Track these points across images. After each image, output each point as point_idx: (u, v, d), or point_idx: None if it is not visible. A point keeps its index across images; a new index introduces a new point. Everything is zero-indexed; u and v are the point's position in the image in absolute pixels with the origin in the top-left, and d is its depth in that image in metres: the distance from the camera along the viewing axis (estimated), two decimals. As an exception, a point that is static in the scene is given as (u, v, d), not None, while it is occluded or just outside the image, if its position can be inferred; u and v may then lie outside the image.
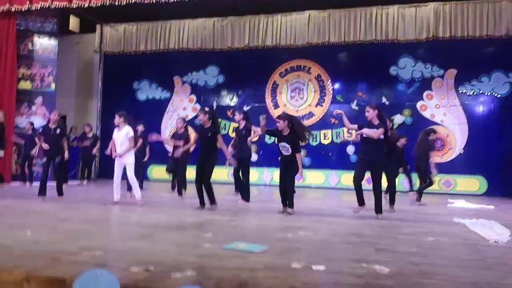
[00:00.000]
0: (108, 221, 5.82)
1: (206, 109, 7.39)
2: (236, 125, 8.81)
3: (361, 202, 6.48)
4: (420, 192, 8.87)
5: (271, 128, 6.93)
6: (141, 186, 10.43)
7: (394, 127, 12.06)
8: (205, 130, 6.90)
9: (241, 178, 8.03)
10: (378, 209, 6.40)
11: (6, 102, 11.37)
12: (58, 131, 7.76)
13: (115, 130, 7.50)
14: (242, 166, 7.95)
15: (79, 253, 3.58)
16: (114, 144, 7.45)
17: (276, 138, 6.86)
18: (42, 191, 7.65)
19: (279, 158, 6.71)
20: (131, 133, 7.42)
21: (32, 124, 10.78)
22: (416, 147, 8.98)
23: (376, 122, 6.42)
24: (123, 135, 7.35)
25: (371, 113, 6.45)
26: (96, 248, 3.75)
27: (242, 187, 8.05)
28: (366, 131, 6.34)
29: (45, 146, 7.70)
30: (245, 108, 13.50)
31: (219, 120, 12.20)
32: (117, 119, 7.39)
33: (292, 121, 6.59)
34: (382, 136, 6.31)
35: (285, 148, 6.49)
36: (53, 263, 3.24)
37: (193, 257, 3.58)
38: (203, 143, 6.92)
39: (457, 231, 5.42)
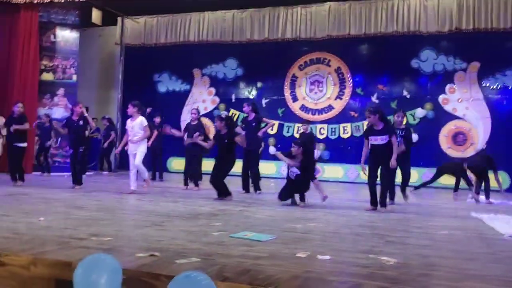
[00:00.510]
0: (122, 209, 5.89)
1: (223, 116, 7.42)
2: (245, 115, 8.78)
3: (374, 204, 6.43)
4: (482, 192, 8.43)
5: (286, 152, 6.89)
6: (161, 178, 10.58)
7: (415, 121, 11.95)
8: (221, 137, 7.05)
9: (250, 170, 8.07)
10: (383, 202, 6.40)
11: (29, 93, 11.61)
12: (81, 123, 7.94)
13: (128, 120, 7.61)
14: (251, 158, 8.00)
15: (88, 239, 3.64)
16: (127, 136, 7.56)
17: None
18: (76, 180, 7.89)
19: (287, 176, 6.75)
20: (145, 122, 7.53)
21: (48, 116, 11.00)
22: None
23: (380, 125, 6.33)
24: (137, 125, 7.43)
25: (372, 118, 6.37)
26: (106, 235, 3.81)
27: (253, 178, 8.09)
28: (395, 150, 6.26)
29: (63, 131, 7.98)
30: (264, 101, 13.54)
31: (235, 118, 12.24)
32: (131, 109, 7.49)
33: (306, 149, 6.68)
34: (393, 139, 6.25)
35: (294, 173, 6.51)
36: (61, 247, 3.30)
37: (200, 244, 3.60)
38: (220, 148, 7.10)
39: (473, 225, 5.32)
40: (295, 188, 6.58)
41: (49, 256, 3.04)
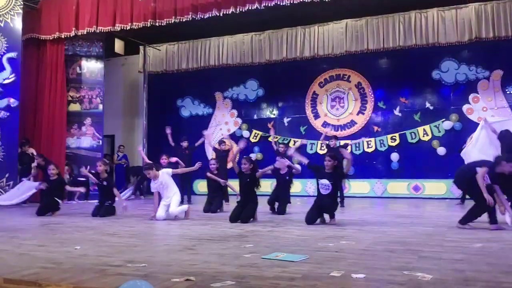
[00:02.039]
0: (154, 234, 5.98)
1: (252, 159, 7.45)
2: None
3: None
4: None
5: (318, 165, 6.94)
6: (189, 201, 10.71)
7: (441, 133, 11.80)
8: (245, 176, 7.12)
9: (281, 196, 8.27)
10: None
11: (58, 124, 11.99)
12: (105, 183, 8.10)
13: (152, 183, 7.57)
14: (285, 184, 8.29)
15: (123, 266, 3.72)
16: (157, 199, 7.61)
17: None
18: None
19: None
20: (170, 170, 7.55)
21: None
22: None
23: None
24: (165, 181, 7.45)
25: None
26: (140, 261, 3.88)
27: (282, 202, 8.25)
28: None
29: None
30: (286, 120, 13.65)
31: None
32: (151, 173, 7.37)
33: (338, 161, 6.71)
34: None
35: (326, 186, 6.54)
36: (98, 275, 3.39)
37: (233, 267, 3.64)
38: (243, 186, 7.19)
39: (507, 237, 5.21)
40: (324, 208, 6.56)
41: (88, 284, 3.13)
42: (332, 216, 6.54)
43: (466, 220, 6.03)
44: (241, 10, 10.03)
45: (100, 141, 12.46)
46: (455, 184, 6.80)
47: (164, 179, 7.47)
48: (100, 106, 12.63)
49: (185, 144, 10.48)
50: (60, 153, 11.37)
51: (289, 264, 3.71)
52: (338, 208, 6.76)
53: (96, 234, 5.68)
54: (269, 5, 9.80)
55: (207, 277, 3.29)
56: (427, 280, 3.15)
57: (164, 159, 8.49)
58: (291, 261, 3.81)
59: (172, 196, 7.45)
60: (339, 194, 8.02)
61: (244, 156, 7.45)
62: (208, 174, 8.69)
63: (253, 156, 12.77)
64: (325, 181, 6.54)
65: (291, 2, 9.66)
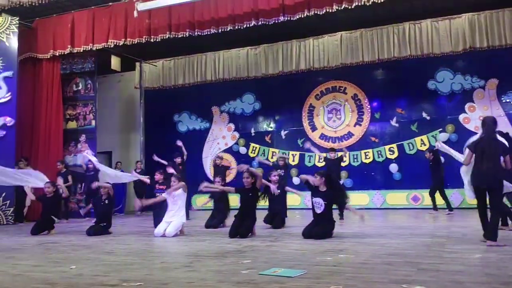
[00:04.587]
0: (151, 252, 5.92)
1: (253, 173, 7.33)
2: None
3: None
4: None
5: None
6: (187, 217, 10.61)
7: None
8: (246, 191, 7.08)
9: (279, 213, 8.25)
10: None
11: (54, 142, 12.00)
12: (106, 202, 8.06)
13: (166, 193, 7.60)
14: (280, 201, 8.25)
15: (119, 285, 3.67)
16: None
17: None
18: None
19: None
20: (179, 191, 7.51)
21: (63, 162, 11.44)
22: None
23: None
24: (178, 195, 7.46)
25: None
26: (136, 279, 3.84)
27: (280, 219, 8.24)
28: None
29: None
30: (283, 133, 13.64)
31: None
32: (178, 184, 7.48)
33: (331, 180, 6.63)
34: None
35: (319, 205, 6.46)
36: (94, 295, 3.35)
37: (230, 284, 3.60)
38: (243, 201, 7.16)
39: (506, 247, 5.17)
40: (316, 237, 6.28)
41: (83, 305, 3.08)
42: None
43: (494, 233, 5.39)
44: (239, 27, 10.11)
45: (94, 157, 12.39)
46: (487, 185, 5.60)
47: (179, 194, 7.48)
48: (93, 122, 12.61)
49: (178, 160, 10.45)
50: (56, 171, 11.27)
51: (287, 280, 3.67)
52: (333, 228, 6.52)
53: (93, 253, 5.62)
54: (268, 23, 9.90)
55: (203, 295, 3.25)
56: (426, 293, 3.11)
57: (158, 175, 8.43)
58: (288, 277, 3.77)
59: (175, 217, 7.37)
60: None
61: (245, 170, 7.32)
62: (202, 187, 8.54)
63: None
64: (318, 200, 6.49)
65: (288, 18, 9.75)
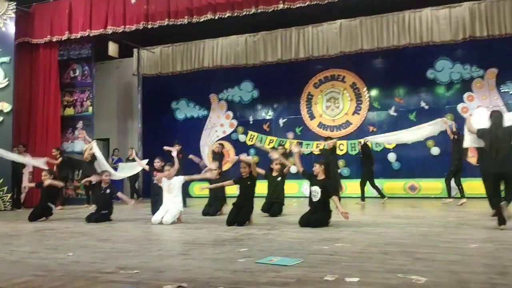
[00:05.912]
0: (148, 239, 5.93)
1: (246, 161, 7.31)
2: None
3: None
4: None
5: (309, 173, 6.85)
6: (184, 204, 10.62)
7: (437, 133, 11.79)
8: (244, 180, 7.11)
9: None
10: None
11: (51, 129, 11.97)
12: (108, 191, 8.03)
13: (165, 180, 7.61)
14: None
15: (116, 272, 3.68)
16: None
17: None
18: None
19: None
20: (182, 178, 7.58)
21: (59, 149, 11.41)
22: None
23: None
24: (174, 184, 7.49)
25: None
26: (133, 267, 3.84)
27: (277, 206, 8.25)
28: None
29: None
30: (281, 121, 13.62)
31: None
32: (170, 171, 7.55)
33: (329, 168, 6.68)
34: None
35: (315, 193, 6.50)
36: (90, 283, 3.35)
37: (226, 272, 3.60)
38: (242, 190, 7.21)
39: (503, 236, 5.19)
40: (318, 215, 6.45)
41: (79, 292, 3.09)
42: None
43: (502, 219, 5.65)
44: (238, 14, 10.02)
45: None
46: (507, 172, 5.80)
47: (175, 182, 7.50)
48: (90, 109, 12.56)
49: (176, 147, 10.41)
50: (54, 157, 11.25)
51: (283, 269, 3.68)
52: (330, 217, 6.54)
53: (90, 240, 5.63)
54: (267, 11, 9.82)
55: (200, 283, 3.26)
56: (421, 283, 3.12)
57: (157, 163, 8.41)
58: (285, 266, 3.78)
59: (173, 204, 7.39)
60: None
61: (241, 159, 7.36)
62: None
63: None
64: (315, 188, 6.52)
65: (288, 6, 9.67)
